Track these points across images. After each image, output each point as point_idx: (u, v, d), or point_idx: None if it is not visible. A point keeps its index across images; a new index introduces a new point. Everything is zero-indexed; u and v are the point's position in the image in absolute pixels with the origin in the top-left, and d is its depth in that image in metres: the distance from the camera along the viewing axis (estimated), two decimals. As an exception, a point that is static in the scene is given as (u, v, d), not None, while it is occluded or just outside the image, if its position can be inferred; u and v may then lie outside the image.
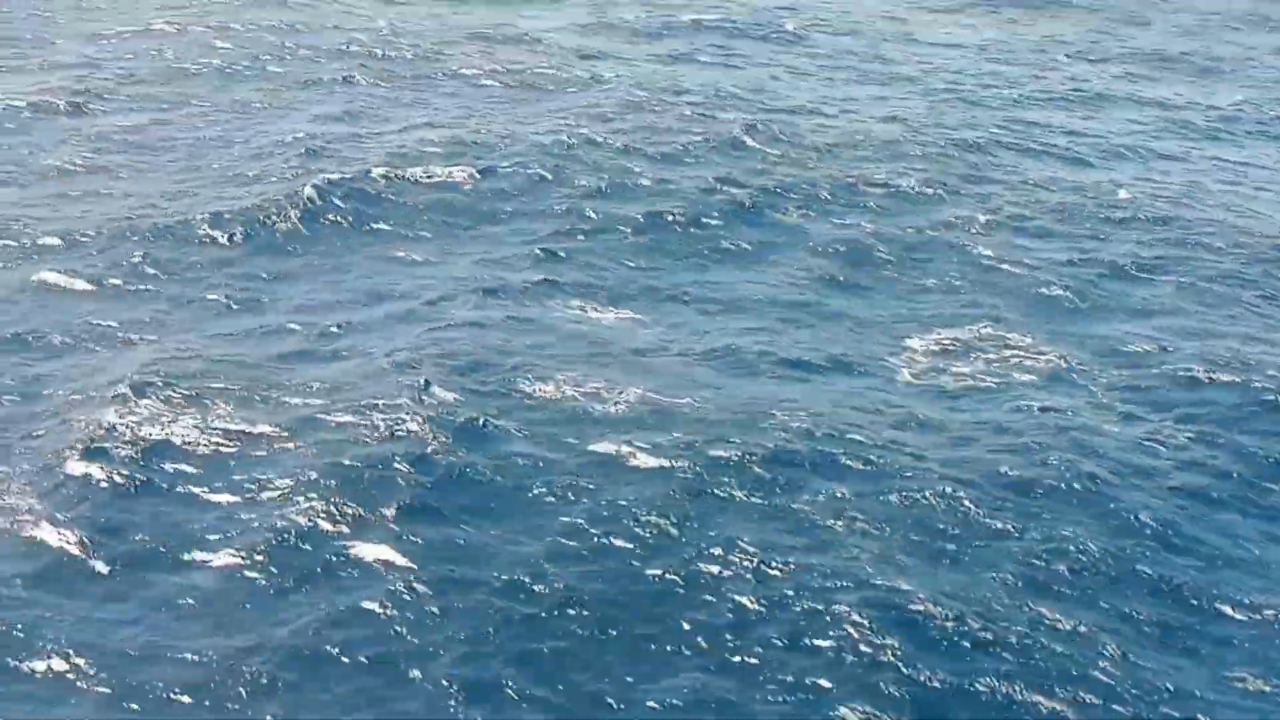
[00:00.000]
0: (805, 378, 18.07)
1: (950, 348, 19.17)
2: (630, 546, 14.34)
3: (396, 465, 15.68)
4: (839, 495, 15.29)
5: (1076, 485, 15.91)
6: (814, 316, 20.39)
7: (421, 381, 17.29)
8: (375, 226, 23.39)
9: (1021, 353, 19.10)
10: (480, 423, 16.29)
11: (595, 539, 14.46)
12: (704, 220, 24.30)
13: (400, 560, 14.29)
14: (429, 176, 25.38)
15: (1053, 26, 47.38)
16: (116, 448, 15.88)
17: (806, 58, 39.17)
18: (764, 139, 29.06)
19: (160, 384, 17.39)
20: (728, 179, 26.36)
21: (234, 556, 14.31)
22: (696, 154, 28.07)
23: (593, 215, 24.19)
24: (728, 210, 24.83)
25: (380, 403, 16.91)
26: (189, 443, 16.20)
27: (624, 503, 14.93)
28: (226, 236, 22.18)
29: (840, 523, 14.78)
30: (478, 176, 25.55)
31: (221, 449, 16.18)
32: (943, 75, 37.29)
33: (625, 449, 15.77)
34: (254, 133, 27.20)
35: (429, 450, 15.87)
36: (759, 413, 16.78)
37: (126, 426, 16.31)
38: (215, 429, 16.45)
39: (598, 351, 18.30)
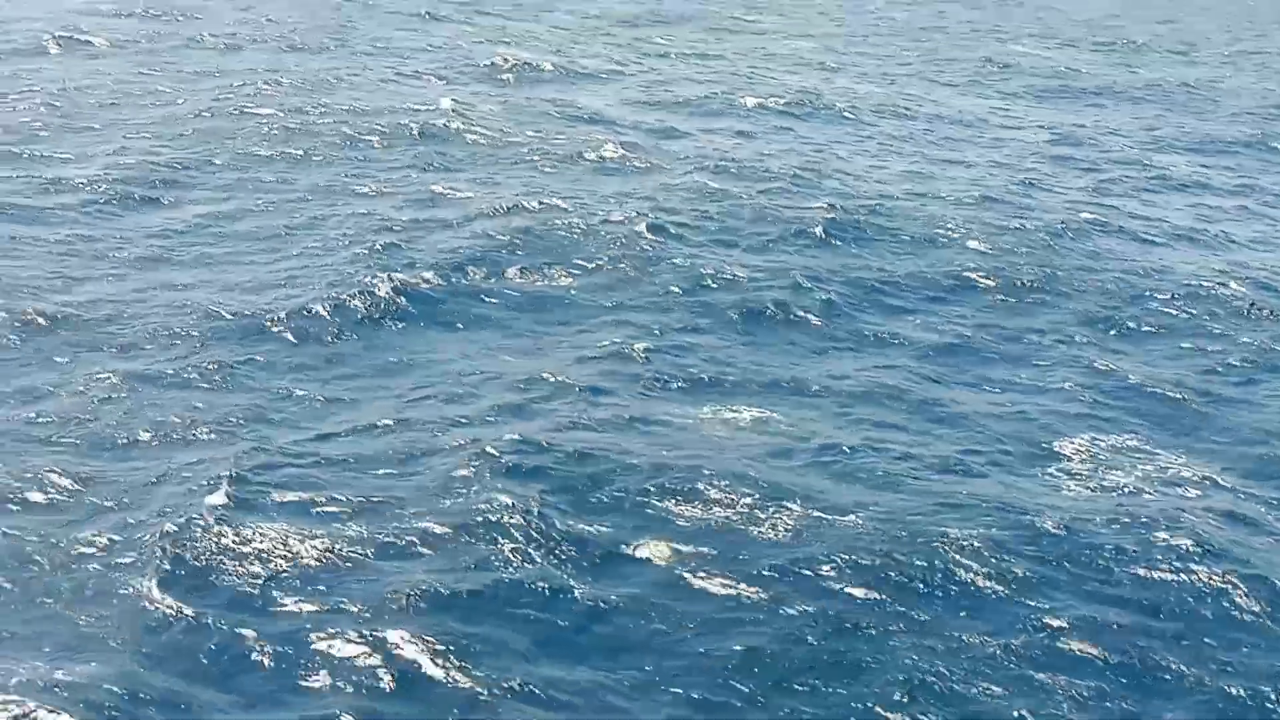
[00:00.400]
0: (960, 485, 16.33)
1: (1101, 457, 17.47)
2: (800, 695, 12.57)
3: (525, 596, 13.93)
4: (1025, 625, 13.53)
5: (1274, 624, 14.15)
6: (945, 416, 18.68)
7: (537, 500, 15.52)
8: (467, 320, 21.82)
9: (1178, 466, 17.37)
10: (616, 546, 14.57)
11: (758, 686, 12.68)
12: (803, 313, 22.72)
13: (539, 708, 12.53)
14: (517, 266, 23.89)
15: (1106, 116, 46.19)
16: (222, 575, 14.16)
17: (873, 140, 37.86)
18: (850, 228, 27.57)
19: (260, 494, 15.76)
20: (819, 270, 24.85)
21: (360, 702, 12.57)
22: (783, 242, 26.57)
23: (690, 308, 22.64)
24: (825, 302, 23.25)
25: (500, 520, 15.16)
26: (297, 564, 14.49)
27: (789, 641, 13.17)
28: (316, 330, 20.61)
29: (1034, 664, 13.01)
30: (567, 266, 24.06)
31: (331, 568, 14.47)
32: (1015, 161, 35.93)
33: (787, 577, 14.01)
34: (334, 220, 25.73)
35: (560, 579, 14.10)
36: (923, 529, 15.02)
37: (230, 546, 14.61)
38: (324, 548, 14.74)
39: (741, 457, 16.55)
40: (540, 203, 27.42)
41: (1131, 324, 22.98)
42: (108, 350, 18.94)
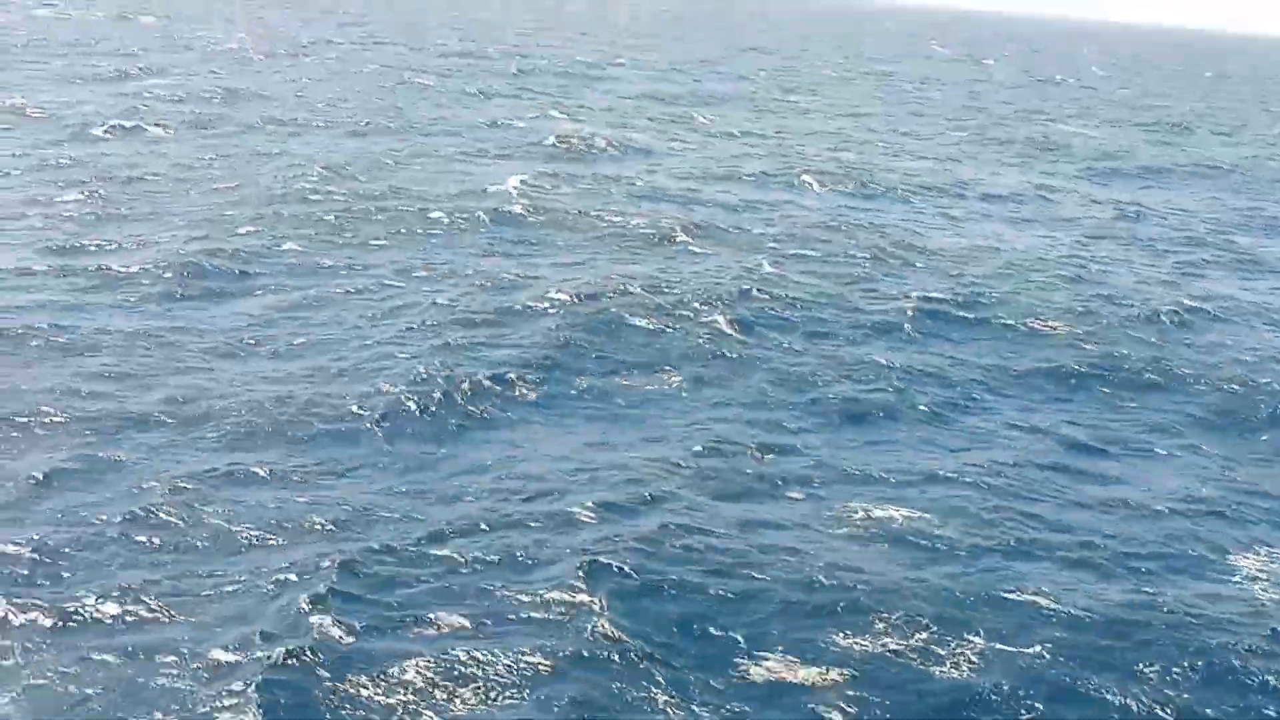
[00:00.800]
0: (1139, 601, 14.60)
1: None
2: None
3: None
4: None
5: None
6: (1090, 522, 16.96)
7: (676, 627, 13.85)
8: (561, 415, 20.29)
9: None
10: (781, 686, 12.87)
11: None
12: (910, 410, 21.17)
13: None
14: (605, 359, 22.45)
15: (1165, 195, 45.11)
16: (334, 709, 12.62)
17: (941, 218, 36.70)
18: (942, 319, 26.15)
19: (368, 613, 14.18)
20: (917, 366, 23.39)
21: None
22: (877, 336, 25.14)
23: (793, 406, 21.08)
24: (932, 399, 21.77)
25: (639, 651, 13.34)
26: (416, 699, 12.90)
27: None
28: (408, 428, 19.11)
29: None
30: (658, 360, 22.64)
31: (455, 706, 12.88)
32: (1090, 243, 34.71)
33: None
34: (413, 309, 24.32)
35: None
36: (1114, 659, 13.22)
37: (340, 675, 12.97)
38: (446, 683, 13.03)
39: (893, 567, 14.87)
40: (621, 289, 26.13)
41: (1258, 421, 21.48)
42: (197, 450, 17.51)
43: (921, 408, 21.31)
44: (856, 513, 16.76)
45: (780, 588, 14.55)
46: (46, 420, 17.84)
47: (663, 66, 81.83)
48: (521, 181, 34.95)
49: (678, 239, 31.14)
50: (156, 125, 40.22)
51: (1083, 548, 16.12)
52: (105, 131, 38.49)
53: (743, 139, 50.75)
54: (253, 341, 21.91)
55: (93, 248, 26.41)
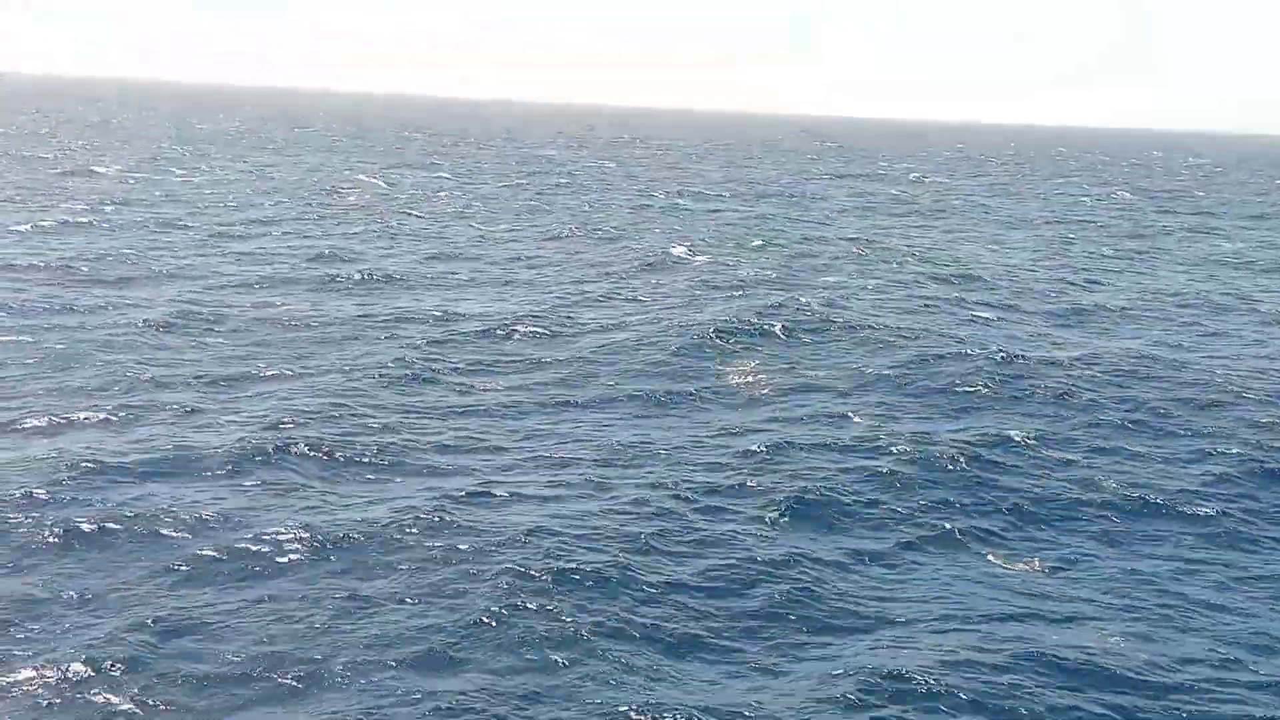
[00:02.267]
0: None
1: None
2: None
3: None
4: None
5: None
6: None
7: None
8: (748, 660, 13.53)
9: None
10: None
11: None
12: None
13: None
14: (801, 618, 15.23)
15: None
16: None
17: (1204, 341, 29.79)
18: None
19: None
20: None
21: None
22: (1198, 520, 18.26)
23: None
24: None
25: None
26: None
27: None
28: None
29: None
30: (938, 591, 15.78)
31: None
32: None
33: None
34: (596, 503, 17.80)
35: None
36: None
37: None
38: None
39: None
40: (846, 474, 19.26)
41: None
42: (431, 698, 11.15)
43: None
44: None
45: None
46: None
47: (737, 193, 75.83)
48: (711, 343, 28.25)
49: (888, 395, 24.38)
50: (284, 289, 34.57)
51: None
52: (229, 294, 32.95)
53: (899, 263, 44.08)
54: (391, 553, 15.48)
55: (222, 426, 20.34)
